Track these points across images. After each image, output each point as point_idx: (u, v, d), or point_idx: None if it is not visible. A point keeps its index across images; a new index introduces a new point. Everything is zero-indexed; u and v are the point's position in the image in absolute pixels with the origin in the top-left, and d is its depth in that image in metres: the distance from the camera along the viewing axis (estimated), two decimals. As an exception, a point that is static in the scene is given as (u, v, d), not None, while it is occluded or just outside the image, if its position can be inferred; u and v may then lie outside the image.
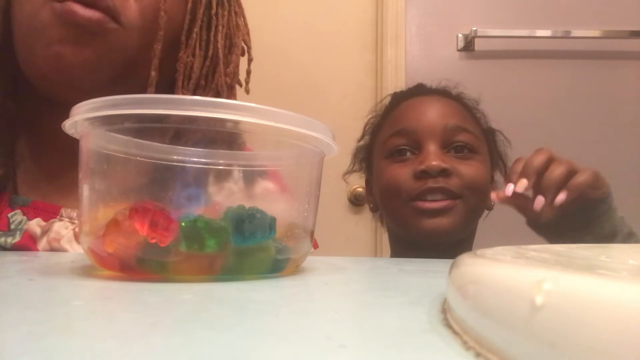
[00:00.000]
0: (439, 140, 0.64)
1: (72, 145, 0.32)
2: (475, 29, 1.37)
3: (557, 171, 0.55)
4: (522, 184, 0.54)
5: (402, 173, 0.64)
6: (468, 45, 1.40)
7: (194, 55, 0.53)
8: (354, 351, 0.14)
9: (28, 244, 0.48)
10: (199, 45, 0.54)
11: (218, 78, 0.55)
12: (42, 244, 0.48)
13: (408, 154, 0.65)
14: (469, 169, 0.63)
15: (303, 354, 0.13)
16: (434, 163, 0.61)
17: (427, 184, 0.62)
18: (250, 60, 0.60)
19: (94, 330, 0.16)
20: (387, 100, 0.76)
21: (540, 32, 1.38)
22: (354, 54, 1.43)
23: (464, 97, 0.73)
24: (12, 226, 0.49)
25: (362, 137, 0.77)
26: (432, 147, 0.63)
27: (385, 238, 1.30)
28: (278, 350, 0.13)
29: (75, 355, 0.13)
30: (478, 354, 0.13)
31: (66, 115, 0.30)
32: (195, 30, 0.53)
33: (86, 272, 0.29)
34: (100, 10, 0.46)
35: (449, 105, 0.68)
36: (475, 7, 1.42)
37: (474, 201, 0.64)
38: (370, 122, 0.76)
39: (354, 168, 0.79)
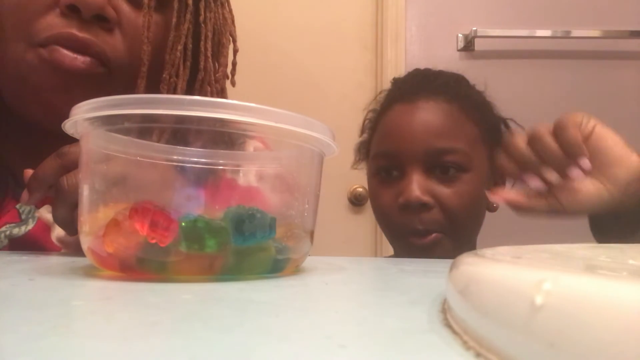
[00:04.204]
0: (422, 163, 0.62)
1: (65, 135, 0.32)
2: (475, 29, 1.37)
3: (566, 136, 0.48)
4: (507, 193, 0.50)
5: (389, 199, 0.64)
6: (468, 45, 1.40)
7: (177, 75, 0.51)
8: (354, 351, 0.14)
9: (42, 234, 0.48)
10: (182, 63, 0.51)
11: (208, 88, 0.53)
12: (57, 231, 0.48)
13: (394, 173, 0.65)
14: (453, 197, 0.61)
15: (303, 354, 0.13)
16: (413, 196, 0.60)
17: (413, 222, 0.61)
18: (235, 52, 0.58)
19: (94, 330, 0.16)
20: (382, 96, 0.74)
21: (540, 32, 1.38)
22: (354, 54, 1.43)
23: (464, 92, 0.68)
24: (23, 216, 0.49)
25: (362, 132, 0.76)
26: (414, 174, 0.62)
27: (385, 238, 1.30)
28: (278, 350, 0.13)
29: (75, 355, 0.13)
30: (478, 354, 0.13)
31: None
32: (179, 48, 0.51)
33: (86, 272, 0.29)
34: (89, 55, 0.46)
35: (439, 115, 0.64)
36: (475, 7, 1.42)
37: (461, 230, 0.63)
38: (368, 118, 0.75)
39: (359, 160, 0.77)
